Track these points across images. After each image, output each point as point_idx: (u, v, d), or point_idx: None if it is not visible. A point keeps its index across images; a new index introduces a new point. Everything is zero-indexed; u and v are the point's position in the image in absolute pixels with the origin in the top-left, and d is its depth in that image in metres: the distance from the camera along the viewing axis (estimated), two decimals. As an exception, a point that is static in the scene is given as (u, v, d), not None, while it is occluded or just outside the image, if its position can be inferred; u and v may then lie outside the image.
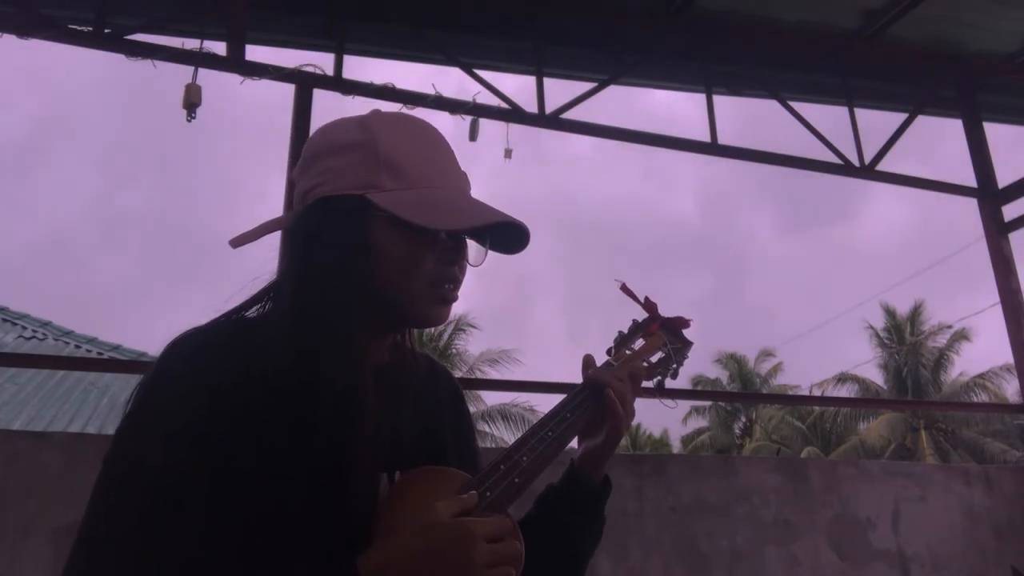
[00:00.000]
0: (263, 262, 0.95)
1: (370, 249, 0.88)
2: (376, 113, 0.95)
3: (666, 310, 1.11)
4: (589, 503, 1.02)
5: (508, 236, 0.95)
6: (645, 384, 1.05)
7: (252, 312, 0.93)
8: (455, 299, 0.94)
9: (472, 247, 0.95)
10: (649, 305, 1.10)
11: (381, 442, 0.87)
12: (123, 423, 0.81)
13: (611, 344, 1.08)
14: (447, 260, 0.91)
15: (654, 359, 1.08)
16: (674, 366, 1.09)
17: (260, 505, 0.78)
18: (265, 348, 0.84)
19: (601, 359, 1.05)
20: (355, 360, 0.85)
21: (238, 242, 0.94)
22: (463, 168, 0.97)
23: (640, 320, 1.10)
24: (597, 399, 0.99)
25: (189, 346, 0.85)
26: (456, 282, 0.93)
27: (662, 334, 1.09)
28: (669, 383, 1.12)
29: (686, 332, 1.12)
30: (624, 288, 1.09)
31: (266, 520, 0.78)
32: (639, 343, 1.08)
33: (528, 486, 0.88)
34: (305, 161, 0.94)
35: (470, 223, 0.88)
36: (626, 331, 1.09)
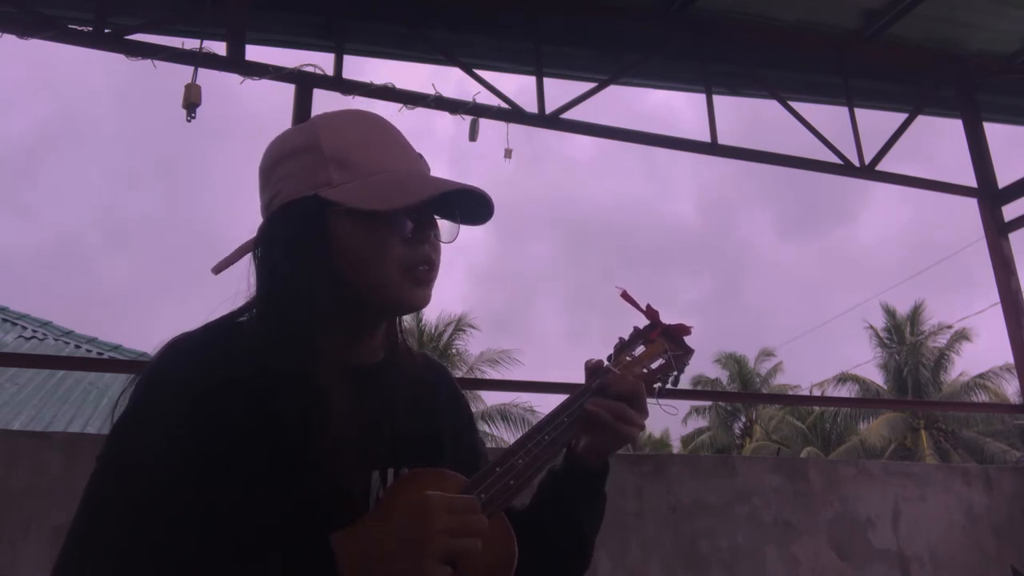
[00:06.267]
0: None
1: (332, 245, 0.89)
2: (320, 115, 0.97)
3: (667, 310, 1.10)
4: (587, 487, 1.02)
5: (474, 207, 0.95)
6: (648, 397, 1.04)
7: (242, 318, 0.95)
8: (432, 280, 0.94)
9: (444, 225, 0.95)
10: (651, 312, 1.10)
11: (369, 440, 0.88)
12: (115, 425, 0.83)
13: (611, 351, 1.08)
14: (415, 241, 0.91)
15: (654, 366, 1.07)
16: (675, 373, 1.08)
17: (242, 504, 0.80)
18: (244, 351, 0.86)
19: (599, 359, 1.05)
20: (317, 359, 0.86)
21: (219, 268, 0.95)
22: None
23: (641, 327, 1.10)
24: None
25: (178, 350, 0.87)
26: (430, 262, 0.93)
27: (663, 341, 1.09)
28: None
29: (687, 339, 1.11)
30: (625, 295, 1.09)
31: (248, 518, 0.80)
32: (640, 350, 1.08)
33: (524, 488, 0.88)
34: (261, 177, 0.96)
35: (421, 197, 0.88)
36: (627, 337, 1.09)
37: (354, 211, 0.87)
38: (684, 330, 1.10)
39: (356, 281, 0.90)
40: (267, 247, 0.92)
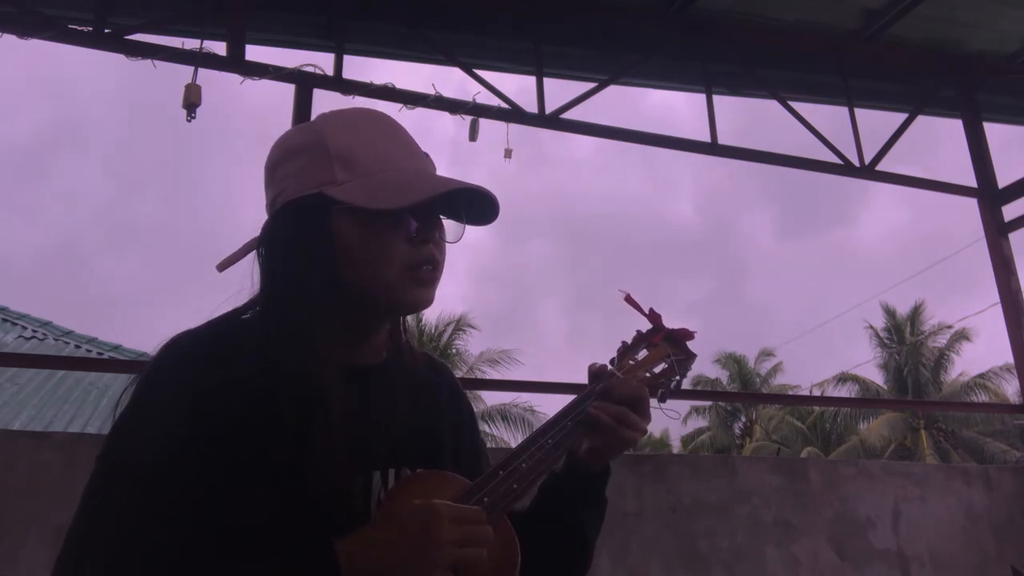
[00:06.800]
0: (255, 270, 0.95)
1: (336, 244, 0.88)
2: (325, 113, 0.97)
3: (667, 310, 1.10)
4: (588, 489, 1.03)
5: (480, 207, 0.94)
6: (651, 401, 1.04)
7: (245, 316, 0.94)
8: (436, 280, 0.93)
9: (449, 225, 0.95)
10: (653, 316, 1.09)
11: (370, 440, 0.88)
12: (115, 423, 0.83)
13: (612, 353, 1.07)
14: (419, 241, 0.90)
15: (657, 370, 1.07)
16: (677, 378, 1.08)
17: (240, 503, 0.79)
18: (245, 350, 0.86)
19: (603, 363, 1.05)
20: (317, 358, 0.86)
21: (223, 265, 0.95)
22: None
23: (644, 331, 1.10)
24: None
25: (179, 348, 0.86)
26: (434, 262, 0.92)
27: (665, 345, 1.08)
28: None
29: (690, 344, 1.11)
30: (628, 299, 1.08)
31: (248, 518, 0.79)
32: (642, 354, 1.08)
33: (526, 492, 0.89)
34: (265, 175, 0.96)
35: (426, 196, 0.88)
36: (630, 341, 1.08)
37: (358, 210, 0.87)
38: (687, 335, 1.10)
39: (359, 280, 0.89)
40: (270, 245, 0.92)
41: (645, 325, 1.10)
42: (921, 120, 5.05)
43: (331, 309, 0.89)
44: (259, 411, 0.82)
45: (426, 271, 0.91)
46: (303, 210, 0.89)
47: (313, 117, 1.01)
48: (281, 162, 0.94)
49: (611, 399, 0.98)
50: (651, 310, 1.10)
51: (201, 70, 3.77)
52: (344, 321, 0.92)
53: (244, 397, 0.82)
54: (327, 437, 0.83)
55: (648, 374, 1.06)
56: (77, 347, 9.66)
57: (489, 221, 0.96)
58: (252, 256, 0.95)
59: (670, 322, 1.11)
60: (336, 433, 0.84)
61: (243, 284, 0.94)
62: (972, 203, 4.98)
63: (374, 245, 0.88)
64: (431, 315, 20.75)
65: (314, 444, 0.82)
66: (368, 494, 0.88)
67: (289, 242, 0.89)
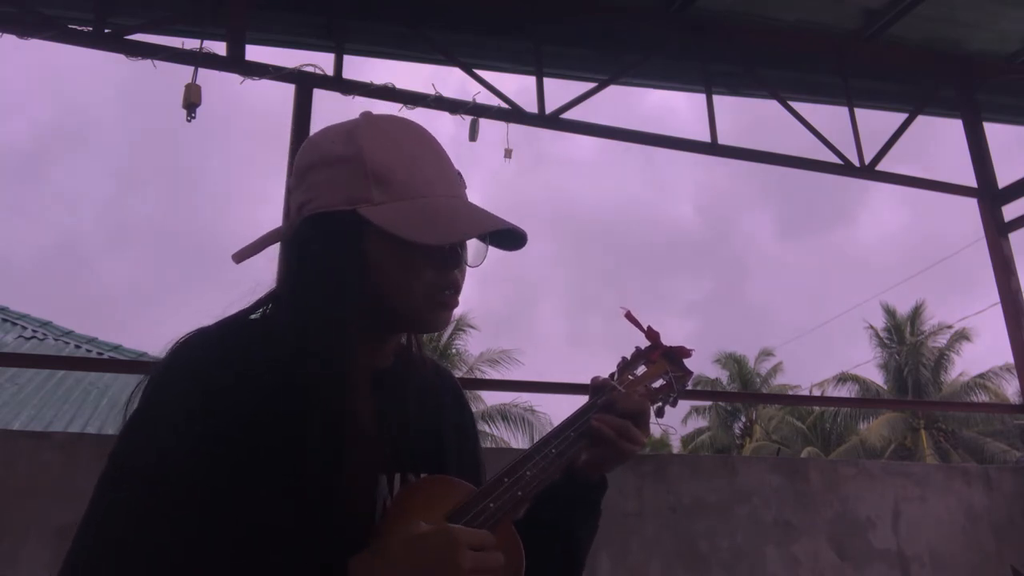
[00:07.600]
0: (262, 268, 0.96)
1: (366, 264, 0.89)
2: (365, 120, 0.94)
3: (668, 311, 1.12)
4: (586, 498, 1.04)
5: (506, 233, 0.95)
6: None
7: (255, 316, 0.94)
8: (456, 303, 0.94)
9: (471, 245, 0.96)
10: (652, 334, 1.13)
11: (380, 443, 0.88)
12: (126, 423, 0.82)
13: (614, 362, 1.10)
14: (445, 267, 0.91)
15: (655, 385, 1.11)
16: (673, 395, 1.12)
17: (255, 504, 0.79)
18: (263, 351, 0.85)
19: (603, 371, 1.08)
20: (347, 363, 0.86)
21: (240, 257, 0.95)
22: (457, 167, 0.97)
23: (642, 348, 1.13)
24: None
25: (192, 347, 0.86)
26: (456, 287, 0.93)
27: (664, 362, 1.12)
28: None
29: (686, 362, 1.14)
30: (628, 316, 1.11)
31: (261, 518, 0.79)
32: (641, 369, 1.11)
33: (530, 498, 0.92)
34: (297, 174, 0.95)
35: (466, 235, 0.89)
36: (629, 357, 1.12)
37: (392, 235, 0.87)
38: (684, 353, 1.14)
39: (384, 298, 0.90)
40: (299, 253, 0.91)
41: (644, 341, 1.13)
42: (921, 120, 5.05)
43: (356, 317, 0.90)
44: (276, 412, 0.81)
45: (448, 295, 0.92)
46: (336, 226, 0.89)
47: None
48: (314, 167, 0.92)
49: (614, 412, 1.00)
50: (649, 327, 1.13)
51: (201, 70, 3.77)
52: (364, 329, 0.92)
53: (260, 397, 0.82)
54: (353, 439, 0.83)
55: (645, 389, 1.09)
56: (77, 347, 9.67)
57: (512, 249, 0.97)
58: (257, 258, 0.95)
59: (669, 323, 1.13)
60: (362, 437, 0.84)
61: (250, 285, 0.94)
62: (972, 203, 4.98)
63: (404, 271, 0.89)
64: (431, 315, 20.69)
65: (342, 445, 0.82)
66: (373, 499, 0.88)
67: (320, 253, 0.89)
